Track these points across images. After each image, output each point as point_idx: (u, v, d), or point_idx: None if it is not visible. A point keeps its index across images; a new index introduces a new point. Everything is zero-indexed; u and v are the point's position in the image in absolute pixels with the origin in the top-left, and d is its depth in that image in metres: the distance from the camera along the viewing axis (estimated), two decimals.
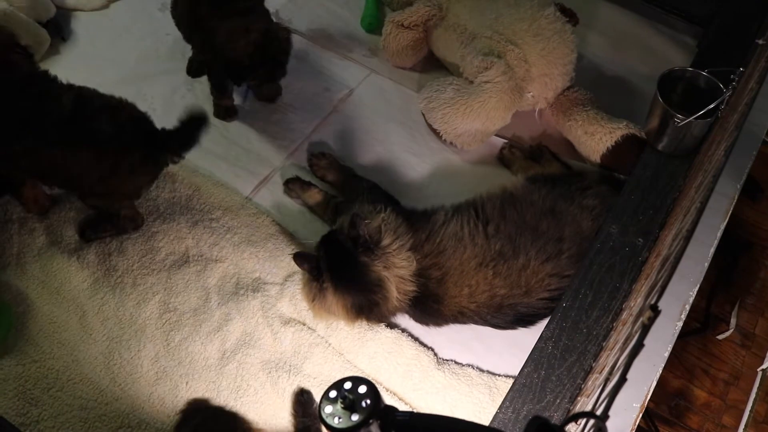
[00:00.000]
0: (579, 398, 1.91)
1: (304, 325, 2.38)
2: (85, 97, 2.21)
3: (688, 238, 1.56)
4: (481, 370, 2.33)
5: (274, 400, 2.25)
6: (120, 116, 2.23)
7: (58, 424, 2.18)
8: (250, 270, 2.49)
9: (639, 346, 1.30)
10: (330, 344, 2.35)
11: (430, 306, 2.32)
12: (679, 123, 2.31)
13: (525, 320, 2.32)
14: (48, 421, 2.18)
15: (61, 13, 3.15)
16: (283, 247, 2.54)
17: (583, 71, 2.88)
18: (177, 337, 2.36)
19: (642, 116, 2.57)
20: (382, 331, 2.36)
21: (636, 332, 1.45)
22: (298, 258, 2.32)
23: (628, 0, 3.31)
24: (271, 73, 2.54)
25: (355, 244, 2.26)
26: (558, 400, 1.93)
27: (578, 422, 1.54)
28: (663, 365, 1.60)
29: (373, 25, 3.18)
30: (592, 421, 1.42)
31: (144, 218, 2.56)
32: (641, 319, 1.41)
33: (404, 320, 2.41)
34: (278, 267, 2.50)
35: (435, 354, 2.36)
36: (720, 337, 2.63)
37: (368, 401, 1.28)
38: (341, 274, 2.25)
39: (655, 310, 1.32)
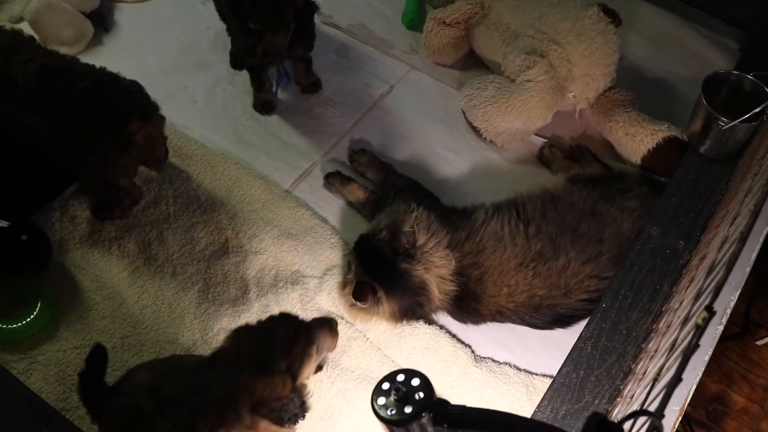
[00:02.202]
0: (618, 399, 1.90)
1: (342, 318, 2.39)
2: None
3: (743, 241, 1.55)
4: (519, 369, 2.33)
5: (313, 391, 2.25)
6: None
7: None
8: (289, 263, 2.50)
9: (694, 347, 1.30)
10: (368, 339, 2.36)
11: (469, 304, 2.33)
12: (723, 126, 2.29)
13: (563, 321, 2.32)
14: None
15: (105, 5, 3.19)
16: (322, 240, 2.55)
17: (624, 72, 2.87)
18: (215, 327, 2.37)
19: (683, 119, 2.55)
20: (420, 327, 2.37)
21: (689, 334, 1.44)
22: (359, 293, 2.25)
23: (670, 2, 3.29)
24: (268, 16, 2.50)
25: (395, 252, 2.27)
26: (597, 401, 1.93)
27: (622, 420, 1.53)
28: (703, 369, 1.59)
29: (414, 21, 3.18)
30: (641, 421, 1.41)
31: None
32: (694, 320, 1.40)
33: (442, 317, 2.42)
34: (317, 260, 2.51)
35: (472, 351, 2.36)
36: (759, 342, 2.60)
37: (421, 394, 1.29)
38: (390, 283, 2.26)
39: (711, 311, 1.31)
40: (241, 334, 1.88)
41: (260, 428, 1.74)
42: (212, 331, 2.36)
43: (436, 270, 2.27)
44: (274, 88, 2.92)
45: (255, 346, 1.83)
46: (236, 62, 3.01)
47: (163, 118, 2.47)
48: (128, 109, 2.28)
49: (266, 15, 2.48)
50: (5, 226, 2.39)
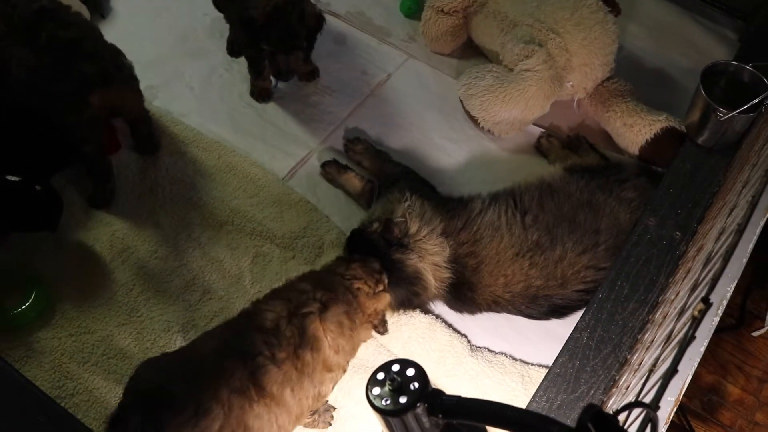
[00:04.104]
0: (613, 390, 1.90)
1: None
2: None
3: (740, 232, 1.55)
4: (514, 359, 2.33)
5: None
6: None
7: (92, 398, 2.21)
8: (284, 251, 2.50)
9: (690, 338, 1.30)
10: None
11: (465, 294, 2.33)
12: (721, 117, 2.28)
13: (559, 312, 2.32)
14: (83, 395, 2.21)
15: None
16: (318, 228, 2.55)
17: (622, 62, 2.86)
18: (210, 314, 2.37)
19: (681, 109, 2.55)
20: (416, 317, 2.37)
21: (685, 325, 1.44)
22: None
23: None
24: (283, 39, 2.49)
25: (388, 244, 2.27)
26: (592, 391, 1.92)
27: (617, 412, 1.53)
28: (699, 360, 1.59)
29: (413, 10, 3.17)
30: (636, 412, 1.41)
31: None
32: (691, 311, 1.40)
33: (438, 306, 2.42)
34: (313, 249, 2.51)
35: (468, 341, 2.36)
36: (755, 333, 2.61)
37: (416, 384, 1.28)
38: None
39: (707, 303, 1.31)
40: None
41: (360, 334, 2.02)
42: (206, 318, 2.36)
43: (430, 258, 2.27)
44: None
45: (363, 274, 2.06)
46: (233, 50, 2.99)
47: (138, 92, 2.53)
48: (91, 69, 2.29)
49: (280, 38, 2.47)
50: (17, 180, 2.39)
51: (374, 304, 2.04)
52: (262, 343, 1.80)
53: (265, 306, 1.92)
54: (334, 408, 2.20)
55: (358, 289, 2.00)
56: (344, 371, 1.99)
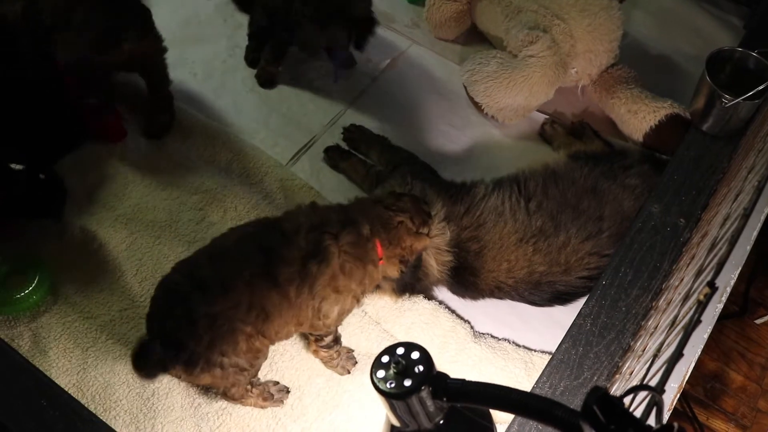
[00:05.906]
0: (616, 376, 1.90)
1: None
2: None
3: (746, 217, 1.54)
4: (518, 345, 2.33)
5: (310, 365, 2.25)
6: None
7: (97, 383, 2.20)
8: None
9: (696, 322, 1.29)
10: (366, 313, 2.35)
11: (468, 278, 2.32)
12: (726, 104, 2.27)
13: (562, 298, 2.32)
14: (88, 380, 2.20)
15: None
16: None
17: (627, 49, 2.85)
18: None
19: (685, 96, 2.54)
20: (419, 302, 2.36)
21: (690, 309, 1.44)
22: None
23: None
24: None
25: None
26: (595, 378, 1.92)
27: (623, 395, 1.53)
28: (702, 346, 1.59)
29: None
30: (641, 396, 1.41)
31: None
32: (696, 296, 1.39)
33: (442, 292, 2.41)
34: None
35: (472, 327, 2.35)
36: (758, 321, 2.61)
37: (421, 367, 1.28)
38: None
39: (713, 287, 1.31)
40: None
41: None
42: None
43: (432, 241, 2.26)
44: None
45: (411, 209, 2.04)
46: (250, 59, 2.98)
47: (162, 49, 2.59)
48: (126, 18, 2.36)
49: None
50: (20, 168, 2.38)
51: (412, 241, 2.03)
52: (278, 241, 1.89)
53: (293, 214, 2.02)
54: (356, 362, 2.24)
55: (401, 222, 2.00)
56: (355, 302, 2.02)
